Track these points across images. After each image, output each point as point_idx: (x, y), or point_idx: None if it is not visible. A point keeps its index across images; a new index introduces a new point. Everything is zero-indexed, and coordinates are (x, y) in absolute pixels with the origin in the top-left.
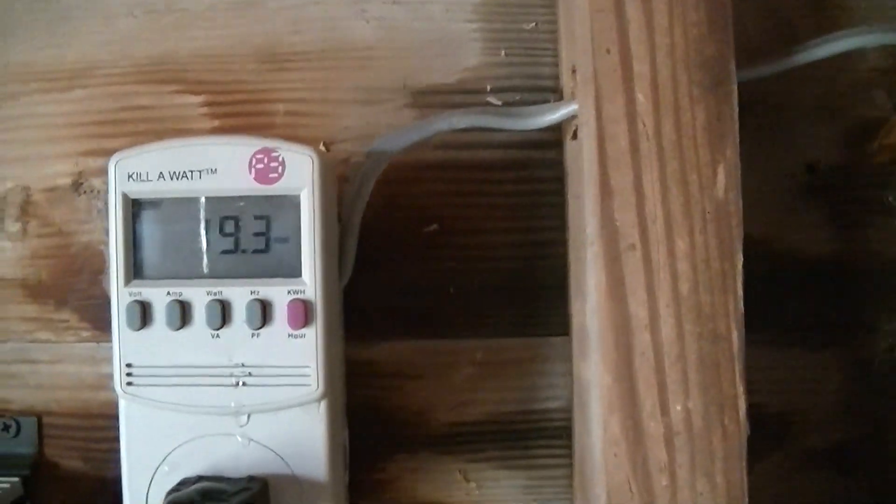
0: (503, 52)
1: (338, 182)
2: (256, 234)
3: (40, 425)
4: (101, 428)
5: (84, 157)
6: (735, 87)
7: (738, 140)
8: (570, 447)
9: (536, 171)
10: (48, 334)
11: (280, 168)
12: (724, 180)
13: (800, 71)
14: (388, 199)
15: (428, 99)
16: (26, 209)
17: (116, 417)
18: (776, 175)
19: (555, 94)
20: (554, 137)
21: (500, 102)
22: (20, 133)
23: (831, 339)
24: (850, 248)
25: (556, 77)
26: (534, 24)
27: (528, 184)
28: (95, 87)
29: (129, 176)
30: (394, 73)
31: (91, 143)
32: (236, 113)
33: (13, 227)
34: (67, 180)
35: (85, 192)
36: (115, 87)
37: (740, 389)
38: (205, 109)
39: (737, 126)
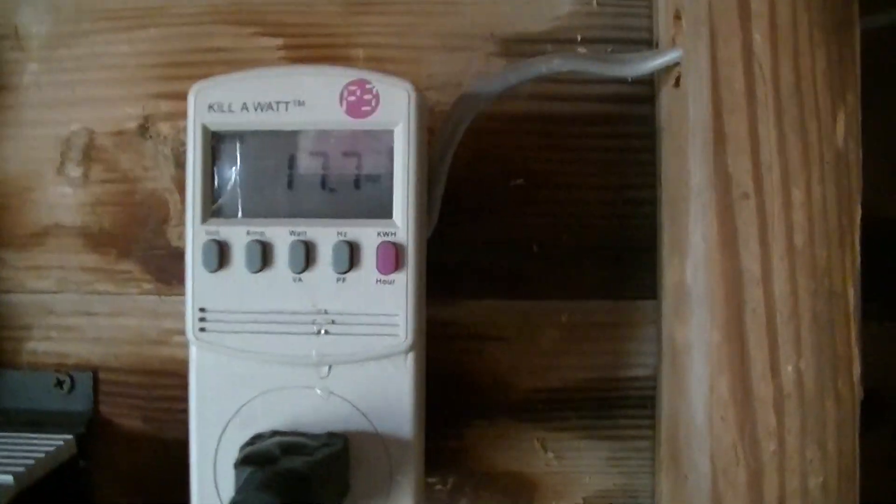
0: (595, 2)
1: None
2: (346, 172)
3: (96, 381)
4: (162, 386)
5: (153, 99)
6: (857, 30)
7: (859, 86)
8: (654, 417)
9: (628, 126)
10: (108, 285)
11: (374, 101)
12: (845, 128)
13: None
14: (473, 151)
15: (516, 48)
16: (89, 154)
17: (178, 375)
18: (888, 136)
19: (648, 46)
20: (646, 92)
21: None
22: (87, 73)
23: None
24: None
25: (649, 29)
26: None
27: (619, 139)
28: (169, 27)
29: (210, 107)
30: (481, 19)
31: (161, 85)
32: (316, 57)
33: (75, 171)
34: (134, 124)
35: (151, 136)
36: (189, 27)
37: (855, 351)
38: (283, 53)
39: (858, 71)
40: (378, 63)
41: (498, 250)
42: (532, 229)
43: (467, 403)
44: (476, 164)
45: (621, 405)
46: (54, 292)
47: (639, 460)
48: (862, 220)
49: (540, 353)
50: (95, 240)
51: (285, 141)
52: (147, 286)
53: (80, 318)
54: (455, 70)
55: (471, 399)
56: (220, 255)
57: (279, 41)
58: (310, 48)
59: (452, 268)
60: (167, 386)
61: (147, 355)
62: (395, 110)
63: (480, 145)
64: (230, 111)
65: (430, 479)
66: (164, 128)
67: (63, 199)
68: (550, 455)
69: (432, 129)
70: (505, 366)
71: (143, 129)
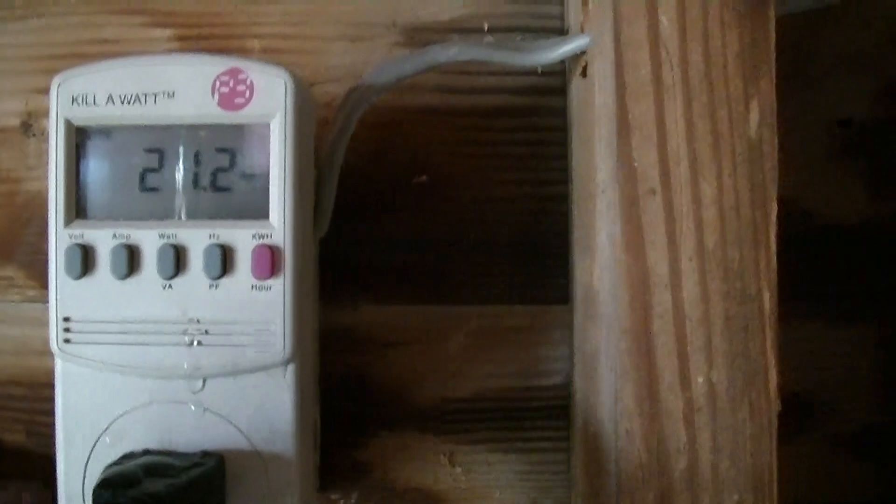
0: None
1: (318, 125)
2: (219, 169)
3: None
4: (46, 399)
5: (36, 94)
6: (773, 12)
7: (774, 72)
8: (569, 428)
9: (539, 118)
10: None
11: (248, 92)
12: (758, 117)
13: (833, 13)
14: (374, 146)
15: (421, 37)
16: None
17: None
18: (805, 130)
19: (559, 34)
20: (558, 83)
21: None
22: None
23: (864, 312)
24: (887, 212)
25: (561, 17)
26: None
27: (528, 132)
28: (53, 17)
29: (74, 99)
30: (383, 7)
31: (45, 79)
32: (210, 49)
33: None
34: (16, 121)
35: (35, 134)
36: (74, 16)
37: (772, 359)
38: (174, 44)
39: (773, 56)
40: (275, 54)
41: (401, 251)
42: (437, 229)
43: (370, 414)
44: (377, 159)
45: (534, 416)
46: None
47: (553, 474)
48: (790, 214)
49: (447, 361)
50: None
51: (154, 136)
52: (31, 293)
53: None
54: (356, 61)
55: (374, 409)
56: (84, 260)
57: (169, 32)
58: (202, 39)
59: (352, 270)
60: (52, 399)
61: (31, 366)
62: (271, 101)
63: (382, 140)
64: (95, 104)
65: (333, 496)
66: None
67: None
68: (458, 469)
69: (328, 121)
70: (409, 374)
71: (27, 126)
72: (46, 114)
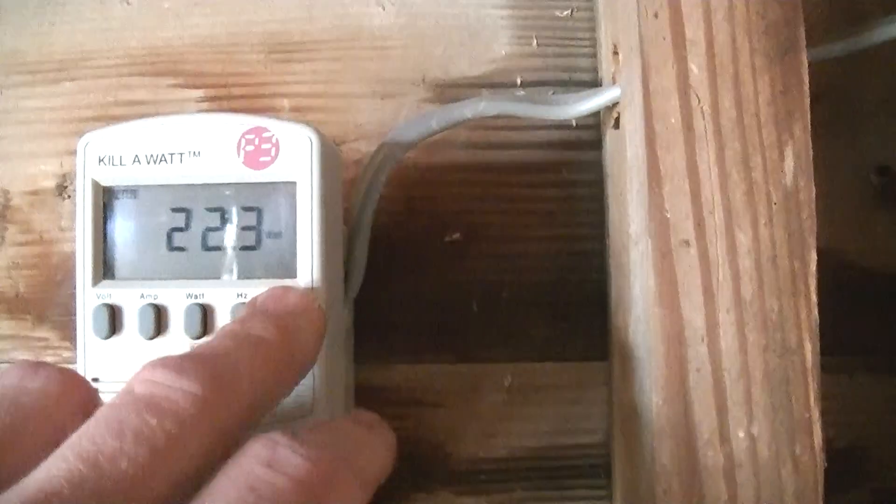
0: (535, 42)
1: (347, 183)
2: (245, 228)
3: None
4: None
5: (69, 156)
6: (804, 56)
7: (808, 117)
8: (610, 487)
9: (573, 173)
10: (24, 354)
11: (273, 150)
12: (794, 163)
13: (869, 58)
14: (405, 204)
15: (451, 93)
16: (5, 214)
17: None
18: (841, 177)
19: (592, 87)
20: (592, 137)
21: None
22: (2, 129)
23: None
24: None
25: (594, 70)
26: (569, 11)
27: (563, 188)
28: (85, 80)
29: (101, 159)
30: (413, 63)
31: (77, 141)
32: (238, 108)
33: None
34: (51, 182)
35: (69, 195)
36: (106, 79)
37: (815, 413)
38: (204, 105)
39: (807, 101)
40: (304, 112)
41: (434, 310)
42: (470, 286)
43: (404, 475)
44: (409, 217)
45: (572, 474)
46: None
47: None
48: (828, 264)
49: (481, 420)
50: (11, 305)
51: (180, 195)
52: (66, 354)
53: None
54: (385, 118)
55: (408, 470)
56: (112, 320)
57: (199, 93)
58: (232, 99)
59: (385, 329)
60: None
61: None
62: (297, 159)
63: (414, 198)
64: (121, 164)
65: None
66: None
67: None
68: None
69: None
70: (444, 433)
71: (62, 188)
72: None
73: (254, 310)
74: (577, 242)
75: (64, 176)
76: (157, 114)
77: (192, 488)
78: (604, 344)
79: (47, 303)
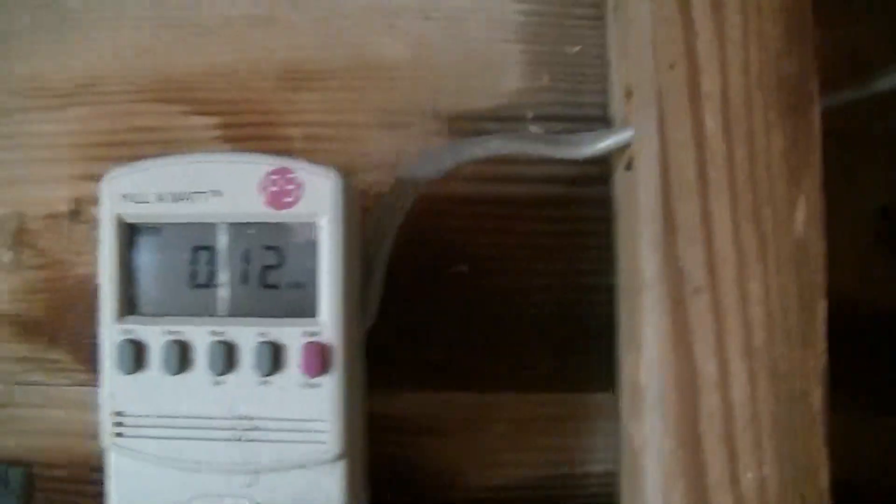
0: (546, 78)
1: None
2: (268, 267)
3: (27, 477)
4: (96, 482)
5: (83, 181)
6: (817, 111)
7: (819, 170)
8: None
9: (580, 209)
10: (39, 376)
11: (297, 191)
12: (805, 215)
13: (873, 103)
14: (412, 236)
15: (461, 125)
16: (20, 238)
17: None
18: (846, 219)
19: (602, 123)
20: (598, 172)
21: (541, 132)
22: (16, 153)
23: None
24: None
25: (603, 106)
26: (580, 47)
27: (568, 223)
28: (98, 105)
29: (125, 196)
30: (423, 95)
31: (91, 166)
32: (250, 136)
33: (5, 256)
34: (65, 207)
35: (83, 220)
36: (119, 105)
37: (822, 456)
38: (216, 132)
39: (819, 155)
40: (315, 142)
41: (442, 341)
42: (478, 317)
43: (411, 502)
44: (416, 248)
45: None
46: None
47: None
48: (833, 306)
49: (486, 449)
50: (26, 328)
51: (204, 233)
52: (79, 376)
53: (11, 410)
54: (395, 149)
55: (415, 498)
56: (136, 356)
57: (211, 120)
58: (243, 127)
59: (391, 359)
60: (98, 481)
61: (79, 448)
62: (320, 200)
63: (422, 229)
64: (145, 202)
65: None
66: (95, 211)
67: None
68: None
69: (368, 209)
70: (449, 462)
71: (75, 213)
72: (93, 201)
73: None
74: (583, 276)
75: (78, 200)
76: (168, 140)
77: None
78: (608, 376)
79: (61, 326)
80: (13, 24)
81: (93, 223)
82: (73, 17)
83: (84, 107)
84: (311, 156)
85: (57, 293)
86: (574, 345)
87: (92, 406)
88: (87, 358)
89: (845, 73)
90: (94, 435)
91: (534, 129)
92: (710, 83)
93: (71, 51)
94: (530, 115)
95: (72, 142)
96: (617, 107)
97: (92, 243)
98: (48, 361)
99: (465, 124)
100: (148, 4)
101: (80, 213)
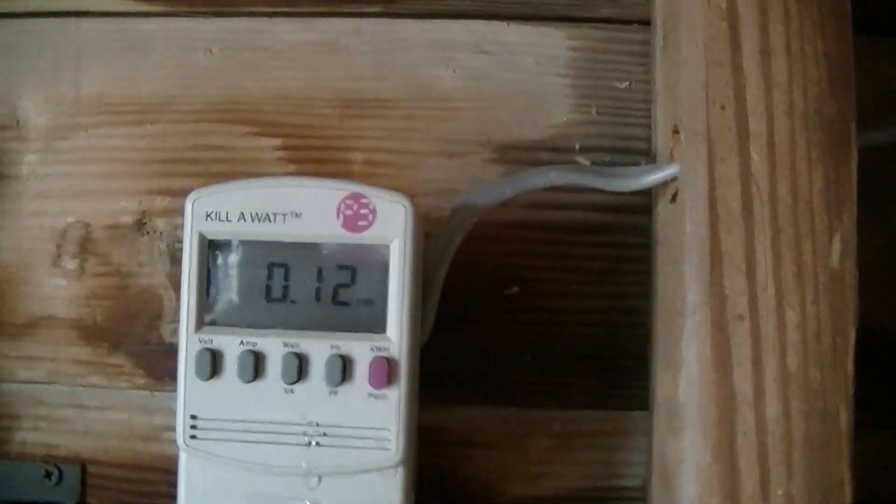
0: (594, 111)
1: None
2: (340, 285)
3: (84, 474)
4: (149, 482)
5: (149, 195)
6: (855, 151)
7: (855, 207)
8: None
9: (623, 236)
10: (100, 379)
11: (371, 216)
12: (840, 249)
13: None
14: (466, 257)
15: (513, 154)
16: (85, 246)
17: (168, 471)
18: (877, 251)
19: (646, 156)
20: (642, 202)
21: (588, 162)
22: (86, 166)
23: None
24: None
25: (648, 139)
26: (627, 83)
27: (613, 249)
28: (167, 124)
29: (208, 215)
30: (478, 125)
31: (158, 181)
32: (312, 159)
33: (71, 264)
34: (130, 219)
35: (148, 232)
36: (187, 124)
37: (847, 474)
38: (280, 153)
39: (855, 192)
40: (375, 167)
41: (490, 358)
42: (525, 337)
43: None
44: (469, 270)
45: None
46: (45, 383)
47: None
48: (862, 330)
49: (529, 462)
50: (88, 333)
51: (281, 252)
52: (139, 381)
53: (70, 411)
54: (451, 176)
55: None
56: (213, 363)
57: (276, 142)
58: (307, 149)
59: (443, 374)
60: (155, 482)
61: (135, 450)
62: (392, 225)
63: (474, 252)
64: (227, 220)
65: None
66: (160, 224)
67: (57, 290)
68: None
69: (429, 233)
70: (494, 473)
71: (140, 225)
72: (159, 214)
73: None
74: (624, 300)
75: (143, 213)
76: (233, 160)
77: None
78: (644, 395)
79: (123, 333)
80: (83, 44)
81: (157, 235)
82: (145, 39)
83: (154, 125)
84: (372, 180)
85: (119, 301)
86: (615, 365)
87: (151, 410)
88: (148, 364)
89: (886, 112)
90: (152, 438)
91: (580, 159)
92: (756, 124)
93: (141, 72)
94: (577, 146)
95: (140, 157)
96: (662, 141)
97: (154, 255)
98: (109, 366)
99: (517, 153)
100: (217, 28)
101: (144, 224)
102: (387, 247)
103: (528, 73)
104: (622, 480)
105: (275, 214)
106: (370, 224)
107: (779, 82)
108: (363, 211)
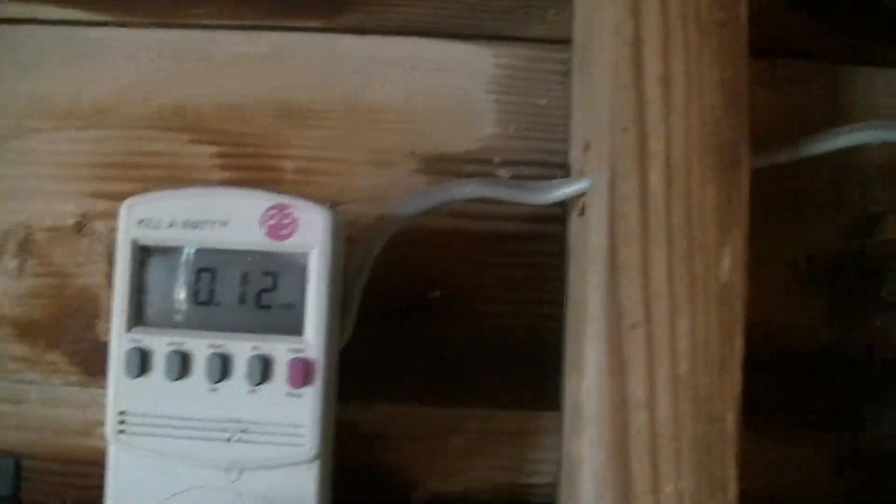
0: (514, 126)
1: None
2: (263, 290)
3: (18, 467)
4: (83, 475)
5: (90, 198)
6: (747, 172)
7: (746, 224)
8: None
9: (541, 244)
10: (35, 375)
11: (292, 225)
12: (730, 263)
13: (810, 161)
14: (392, 262)
15: (438, 166)
16: (26, 247)
17: (100, 465)
18: (778, 262)
19: (563, 169)
20: (560, 212)
21: (508, 175)
22: (29, 168)
23: (822, 429)
24: (845, 340)
25: (565, 153)
26: (547, 99)
27: (532, 257)
28: (111, 129)
29: (141, 221)
30: (406, 137)
31: (99, 185)
32: (248, 166)
33: (11, 263)
34: (70, 221)
35: (87, 234)
36: (131, 130)
37: (732, 472)
38: (217, 160)
39: (746, 210)
40: (307, 174)
41: (411, 357)
42: (446, 339)
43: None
44: (395, 275)
45: None
46: None
47: None
48: (759, 338)
49: (446, 458)
50: (26, 330)
51: (209, 258)
52: (73, 378)
53: (6, 406)
54: (379, 184)
55: (377, 499)
56: (141, 362)
57: (213, 149)
58: (242, 157)
59: (366, 371)
60: (88, 475)
61: (69, 444)
62: (312, 234)
63: (401, 257)
64: (159, 227)
65: None
66: (100, 226)
67: None
68: None
69: (353, 238)
70: (412, 469)
71: (80, 227)
72: (98, 216)
73: None
74: (542, 306)
75: (83, 215)
76: (171, 165)
77: None
78: (558, 397)
79: (60, 331)
80: (32, 49)
81: (96, 237)
82: (94, 47)
83: (96, 129)
84: (303, 187)
85: (58, 300)
86: (529, 367)
87: (85, 406)
88: (83, 362)
89: (785, 128)
90: (86, 433)
91: (501, 172)
92: (656, 144)
93: (87, 77)
94: (498, 159)
95: (83, 161)
96: (575, 157)
97: (93, 256)
98: (45, 363)
99: (442, 165)
100: (164, 38)
101: (84, 226)
102: (306, 255)
103: (455, 89)
104: (534, 478)
105: (204, 222)
106: (292, 233)
107: (678, 105)
108: (286, 220)
